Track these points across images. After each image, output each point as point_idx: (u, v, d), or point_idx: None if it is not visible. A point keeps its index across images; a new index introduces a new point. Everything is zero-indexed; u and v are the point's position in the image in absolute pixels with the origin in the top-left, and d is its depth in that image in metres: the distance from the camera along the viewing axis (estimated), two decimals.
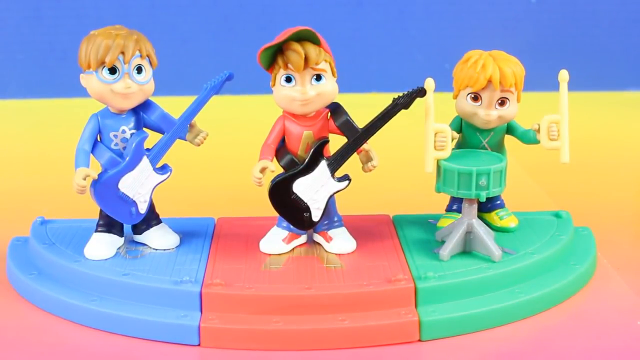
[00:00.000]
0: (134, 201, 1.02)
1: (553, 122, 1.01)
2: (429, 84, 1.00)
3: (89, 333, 0.95)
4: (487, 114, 1.03)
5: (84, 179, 0.97)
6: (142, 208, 1.03)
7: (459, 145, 1.09)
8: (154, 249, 1.05)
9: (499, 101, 1.04)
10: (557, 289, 1.01)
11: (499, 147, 1.08)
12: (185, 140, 1.04)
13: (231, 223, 1.12)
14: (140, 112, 1.02)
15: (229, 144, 1.58)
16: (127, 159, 1.00)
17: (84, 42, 0.98)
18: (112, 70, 0.97)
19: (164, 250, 1.04)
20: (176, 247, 1.05)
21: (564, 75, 1.01)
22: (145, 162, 1.01)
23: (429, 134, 1.00)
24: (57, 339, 0.94)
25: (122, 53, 0.97)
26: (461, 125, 1.08)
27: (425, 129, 1.00)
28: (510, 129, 1.08)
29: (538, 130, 1.02)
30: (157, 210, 1.07)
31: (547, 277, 1.02)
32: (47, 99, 2.02)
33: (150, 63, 1.00)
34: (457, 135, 1.05)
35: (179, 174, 1.07)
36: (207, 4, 2.04)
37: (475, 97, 1.04)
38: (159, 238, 1.05)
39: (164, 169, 1.03)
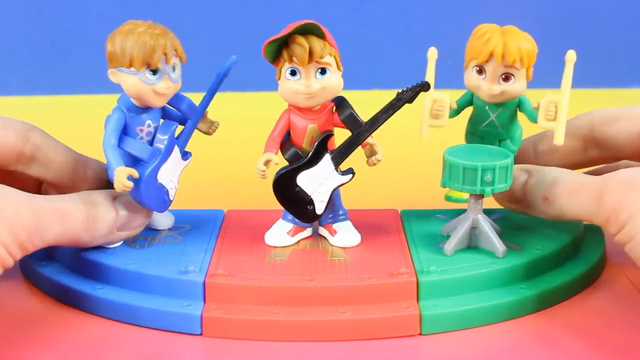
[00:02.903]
0: (167, 189, 1.02)
1: (551, 102, 1.01)
2: (432, 52, 1.01)
3: (94, 320, 0.96)
4: (490, 88, 1.03)
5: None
6: (172, 195, 1.03)
7: (470, 119, 1.09)
8: (160, 230, 1.07)
9: (503, 76, 1.03)
10: (564, 285, 1.00)
11: (509, 123, 1.07)
12: (199, 130, 1.05)
13: (240, 215, 1.13)
14: (165, 105, 1.02)
15: (241, 140, 1.58)
16: (164, 150, 1.00)
17: (121, 38, 0.95)
18: (154, 71, 0.96)
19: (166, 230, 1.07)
20: (182, 235, 1.06)
21: (571, 56, 0.99)
22: (176, 150, 1.02)
23: (427, 101, 1.00)
24: (62, 326, 0.95)
25: (165, 54, 0.95)
26: (472, 100, 1.08)
27: (424, 97, 1.00)
28: (520, 105, 1.07)
29: (538, 109, 1.02)
30: None
31: (554, 273, 1.01)
32: (48, 96, 2.03)
33: (180, 59, 0.99)
34: (455, 105, 1.05)
35: (191, 166, 1.08)
36: (209, 0, 2.04)
37: (480, 70, 1.04)
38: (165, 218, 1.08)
39: (185, 154, 1.04)
